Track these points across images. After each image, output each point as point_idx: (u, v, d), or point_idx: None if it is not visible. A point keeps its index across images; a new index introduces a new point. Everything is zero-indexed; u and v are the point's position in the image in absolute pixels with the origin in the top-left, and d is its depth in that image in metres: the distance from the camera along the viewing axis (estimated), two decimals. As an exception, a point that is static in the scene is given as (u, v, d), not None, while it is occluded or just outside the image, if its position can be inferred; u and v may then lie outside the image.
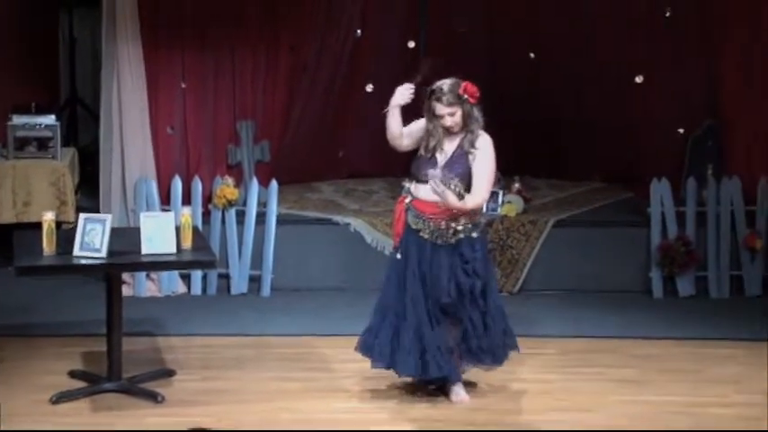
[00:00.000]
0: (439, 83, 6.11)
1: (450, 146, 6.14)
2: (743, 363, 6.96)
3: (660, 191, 8.43)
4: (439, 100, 6.06)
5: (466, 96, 6.04)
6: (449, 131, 6.12)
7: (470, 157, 6.08)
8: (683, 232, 8.37)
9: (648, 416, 6.16)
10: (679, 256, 8.28)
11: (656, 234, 8.38)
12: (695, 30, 8.96)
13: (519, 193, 8.70)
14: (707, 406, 6.29)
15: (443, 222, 6.12)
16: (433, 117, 6.11)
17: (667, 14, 9.02)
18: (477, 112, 6.10)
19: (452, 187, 6.01)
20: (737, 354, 7.12)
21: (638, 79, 9.06)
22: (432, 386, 6.37)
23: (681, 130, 9.01)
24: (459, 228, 6.12)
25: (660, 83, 9.15)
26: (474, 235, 6.14)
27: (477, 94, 6.08)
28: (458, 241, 6.14)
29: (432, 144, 6.14)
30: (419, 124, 6.23)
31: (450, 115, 6.07)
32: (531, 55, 9.65)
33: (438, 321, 6.20)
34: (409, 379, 6.37)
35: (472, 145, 6.07)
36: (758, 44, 8.47)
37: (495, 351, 6.28)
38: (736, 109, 8.59)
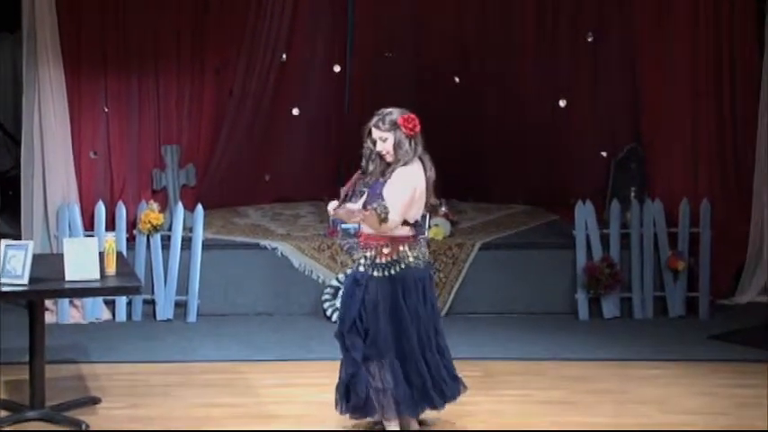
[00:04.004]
0: (386, 109, 6.08)
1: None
2: (667, 383, 7.03)
3: (584, 213, 8.51)
4: (376, 124, 6.05)
5: (401, 126, 6.01)
6: (383, 161, 6.06)
7: (384, 186, 6.00)
8: (608, 254, 8.46)
9: (575, 437, 6.20)
10: (604, 277, 8.36)
11: (581, 256, 8.45)
12: (617, 54, 9.09)
13: (445, 216, 8.73)
14: (632, 426, 6.33)
15: (363, 249, 6.08)
16: (369, 138, 6.09)
17: (589, 39, 9.14)
18: (408, 145, 5.99)
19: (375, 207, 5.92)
20: (661, 374, 7.19)
21: (562, 103, 9.16)
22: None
23: (604, 154, 9.12)
24: (361, 257, 6.01)
25: (583, 107, 9.26)
26: (374, 273, 5.93)
27: (414, 128, 6.00)
28: (357, 270, 6.04)
29: (370, 168, 6.09)
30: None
31: (382, 140, 6.03)
32: (456, 79, 9.72)
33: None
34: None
35: (389, 174, 6.02)
36: (677, 68, 8.59)
37: (403, 403, 5.98)
38: (657, 132, 8.70)
